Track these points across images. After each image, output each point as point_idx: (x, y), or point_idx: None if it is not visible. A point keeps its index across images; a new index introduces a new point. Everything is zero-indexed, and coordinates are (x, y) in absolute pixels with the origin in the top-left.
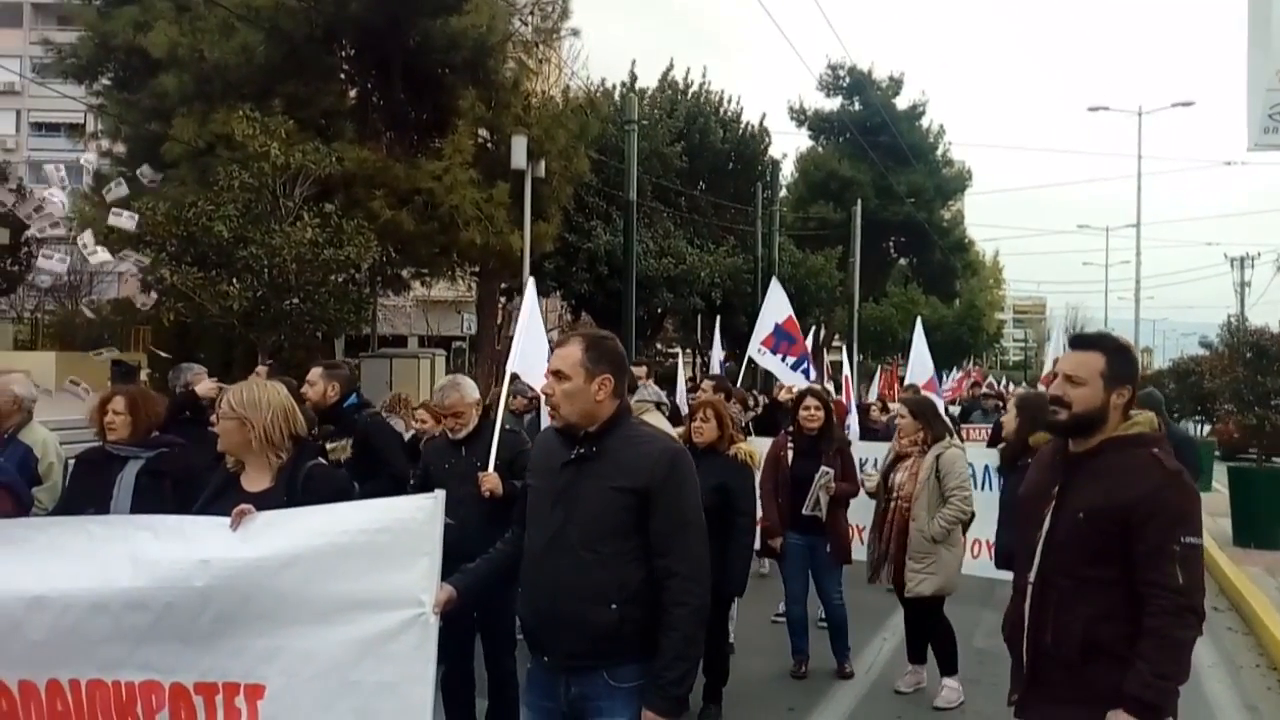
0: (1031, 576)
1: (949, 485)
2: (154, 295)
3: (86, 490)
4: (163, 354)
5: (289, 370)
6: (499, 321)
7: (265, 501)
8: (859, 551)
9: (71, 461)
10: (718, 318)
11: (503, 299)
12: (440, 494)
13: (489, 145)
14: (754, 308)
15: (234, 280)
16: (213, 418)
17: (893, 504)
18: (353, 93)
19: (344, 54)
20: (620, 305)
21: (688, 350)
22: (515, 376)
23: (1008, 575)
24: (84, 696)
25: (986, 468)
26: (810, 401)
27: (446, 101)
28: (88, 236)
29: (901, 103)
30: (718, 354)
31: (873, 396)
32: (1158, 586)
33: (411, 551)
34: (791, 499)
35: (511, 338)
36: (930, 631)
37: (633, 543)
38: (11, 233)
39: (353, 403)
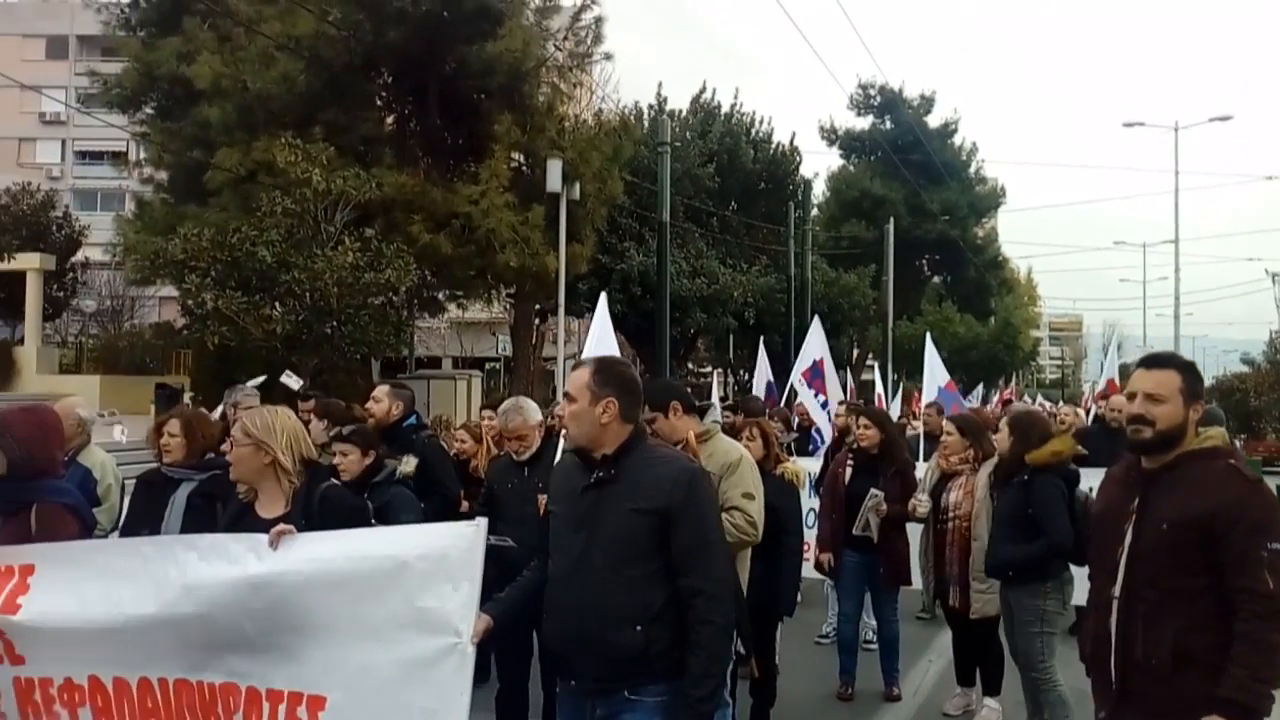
0: (1116, 591)
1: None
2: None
3: (143, 511)
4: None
5: (329, 393)
6: (534, 342)
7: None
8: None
9: (130, 483)
10: (761, 338)
11: (538, 320)
12: (482, 523)
13: (524, 169)
14: (787, 327)
15: (276, 304)
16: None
17: (950, 525)
18: (391, 119)
19: (382, 81)
20: (654, 325)
21: (720, 370)
22: None
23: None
24: (171, 693)
25: None
26: (862, 420)
27: (482, 127)
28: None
29: (933, 121)
30: (764, 374)
31: (896, 413)
32: (1248, 592)
33: (452, 579)
34: (846, 517)
35: (546, 359)
36: (983, 652)
37: (655, 564)
38: (58, 259)
39: (411, 423)
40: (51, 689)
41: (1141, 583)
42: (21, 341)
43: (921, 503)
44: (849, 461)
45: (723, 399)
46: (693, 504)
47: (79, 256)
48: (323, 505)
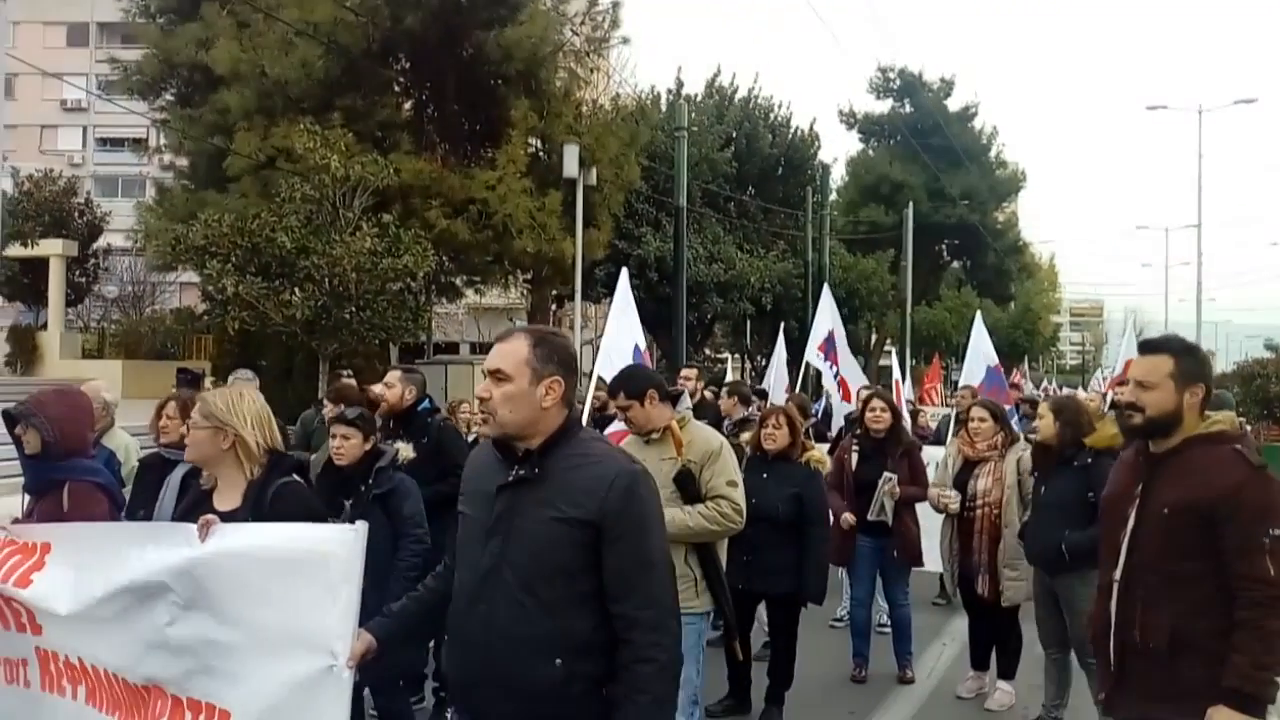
0: (1117, 575)
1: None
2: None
3: (141, 494)
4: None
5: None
6: (551, 327)
7: (232, 520)
8: (933, 562)
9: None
10: (781, 325)
11: (554, 306)
12: (362, 527)
13: (541, 154)
14: (804, 313)
15: (296, 289)
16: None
17: (979, 511)
18: (408, 105)
19: (400, 67)
20: (670, 311)
21: (737, 355)
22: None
23: None
24: (121, 690)
25: None
26: (876, 403)
27: (499, 112)
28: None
29: (953, 104)
30: (781, 359)
31: (908, 395)
32: (1249, 579)
33: (331, 589)
34: (856, 504)
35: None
36: (1004, 637)
37: (582, 585)
38: (80, 245)
39: (425, 407)
40: (60, 663)
41: (1141, 567)
42: (45, 327)
43: (950, 498)
44: (854, 447)
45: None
46: (632, 514)
47: (101, 243)
48: (275, 502)
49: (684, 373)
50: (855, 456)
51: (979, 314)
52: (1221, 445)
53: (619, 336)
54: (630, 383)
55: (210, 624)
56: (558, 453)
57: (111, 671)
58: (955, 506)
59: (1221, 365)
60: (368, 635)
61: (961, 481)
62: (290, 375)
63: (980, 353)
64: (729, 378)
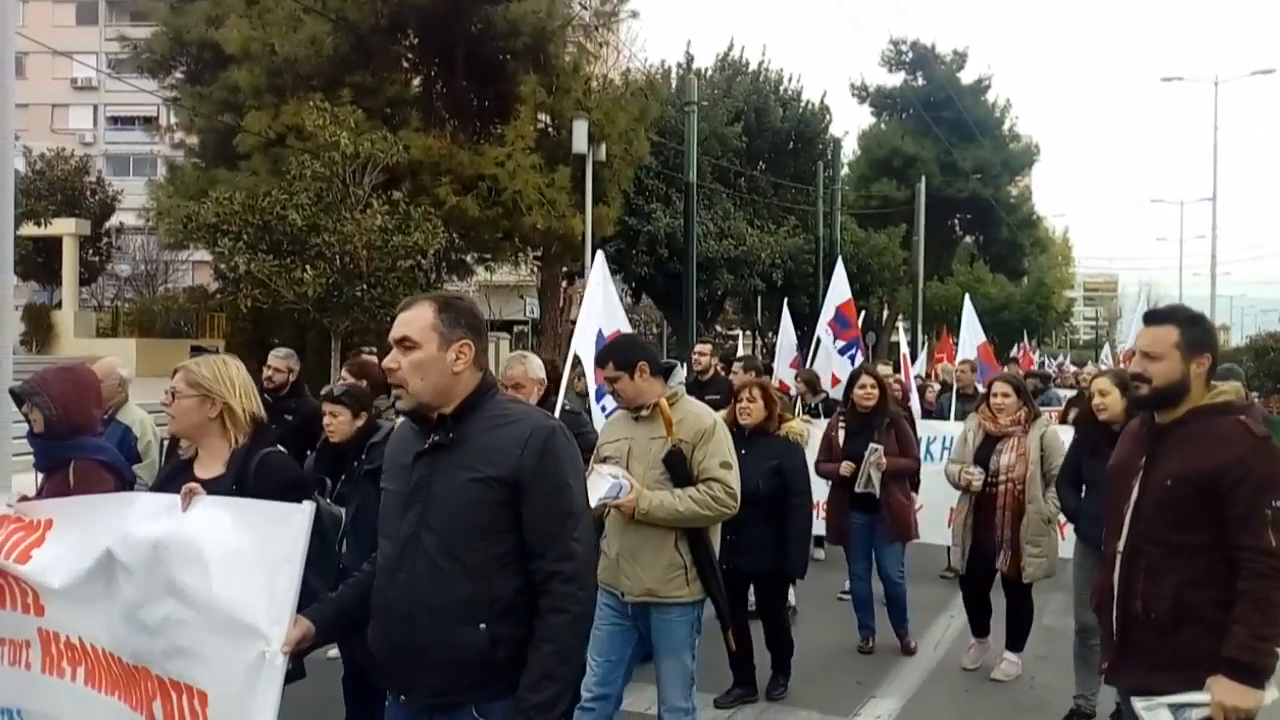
0: (1120, 545)
1: (1056, 463)
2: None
3: (166, 468)
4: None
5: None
6: (561, 305)
7: (214, 490)
8: (936, 535)
9: (167, 440)
10: (785, 300)
11: (565, 283)
12: (308, 507)
13: (550, 130)
14: (816, 288)
15: (307, 267)
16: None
17: (1003, 487)
18: (417, 81)
19: (408, 43)
20: (680, 288)
21: (748, 331)
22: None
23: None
24: (118, 668)
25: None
26: (865, 380)
27: (508, 88)
28: None
29: (966, 77)
30: (788, 336)
31: (917, 371)
32: (1252, 550)
33: (271, 570)
34: (847, 478)
35: (573, 322)
36: (1016, 611)
37: (503, 546)
38: (93, 224)
39: None
40: (60, 644)
41: (1144, 537)
42: (59, 306)
43: (974, 475)
44: (841, 424)
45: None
46: (548, 468)
47: (113, 221)
48: (259, 471)
49: (698, 348)
50: (843, 432)
51: (966, 298)
52: (1226, 416)
53: (586, 319)
54: (620, 353)
55: (172, 602)
56: (473, 416)
57: (108, 651)
58: (979, 484)
59: (1236, 339)
60: (305, 621)
61: (983, 457)
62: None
63: (971, 332)
64: (740, 354)
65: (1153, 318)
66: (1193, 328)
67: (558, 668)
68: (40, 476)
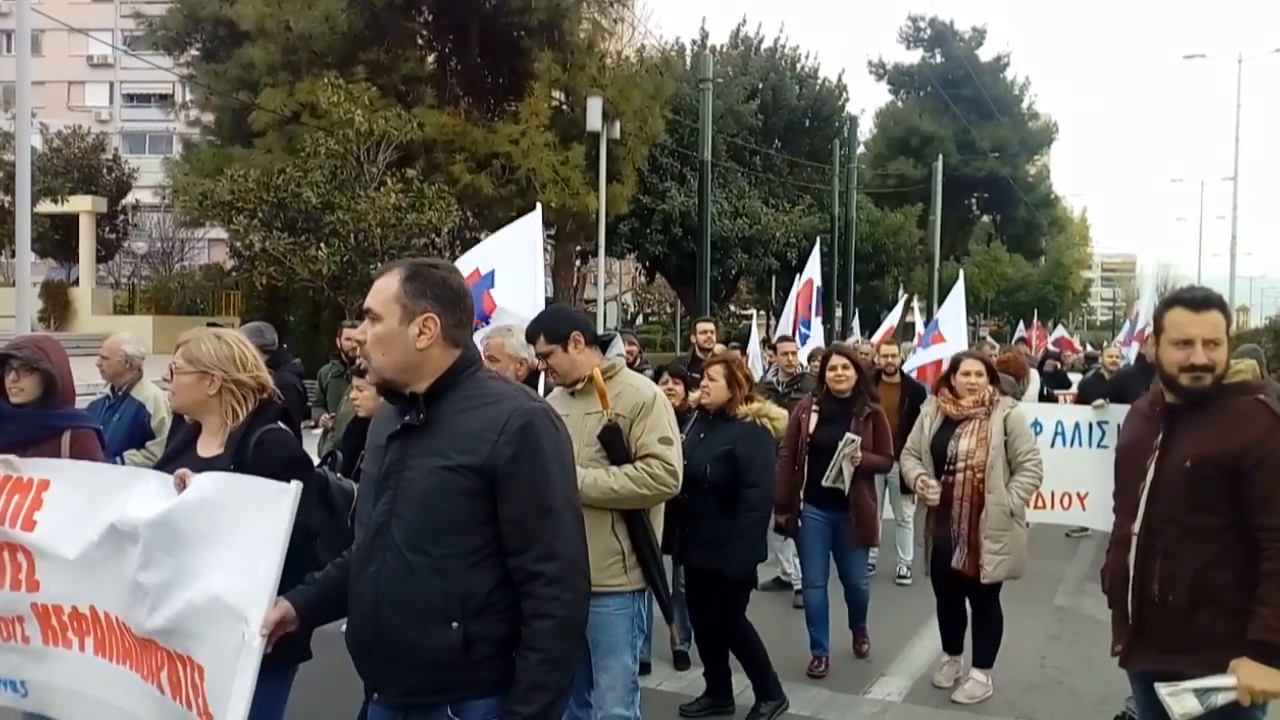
0: (1136, 527)
1: (1021, 449)
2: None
3: (171, 445)
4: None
5: None
6: (574, 283)
7: (214, 468)
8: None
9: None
10: (796, 277)
11: (578, 261)
12: (295, 487)
13: (564, 108)
14: (830, 268)
15: (322, 245)
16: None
17: (960, 476)
18: (431, 58)
19: (423, 19)
20: (695, 266)
21: (762, 311)
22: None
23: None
24: (132, 638)
25: (1077, 425)
26: (836, 360)
27: (522, 65)
28: None
29: (985, 54)
30: (790, 308)
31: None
32: (1274, 531)
33: (254, 550)
34: (812, 469)
35: (587, 301)
36: (981, 621)
37: (478, 540)
38: (109, 201)
39: None
40: (64, 616)
41: (1161, 519)
42: (76, 283)
43: (931, 488)
44: (814, 408)
45: (764, 340)
46: (528, 457)
47: (129, 199)
48: (257, 449)
49: (701, 327)
50: (814, 418)
51: (960, 274)
52: (1244, 396)
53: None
54: (551, 324)
55: (165, 580)
56: (448, 396)
57: (119, 620)
58: (935, 497)
59: (1255, 321)
60: (285, 603)
61: (940, 443)
62: (318, 330)
63: (956, 315)
64: (753, 334)
65: (1203, 303)
66: (1228, 311)
67: (546, 677)
68: None
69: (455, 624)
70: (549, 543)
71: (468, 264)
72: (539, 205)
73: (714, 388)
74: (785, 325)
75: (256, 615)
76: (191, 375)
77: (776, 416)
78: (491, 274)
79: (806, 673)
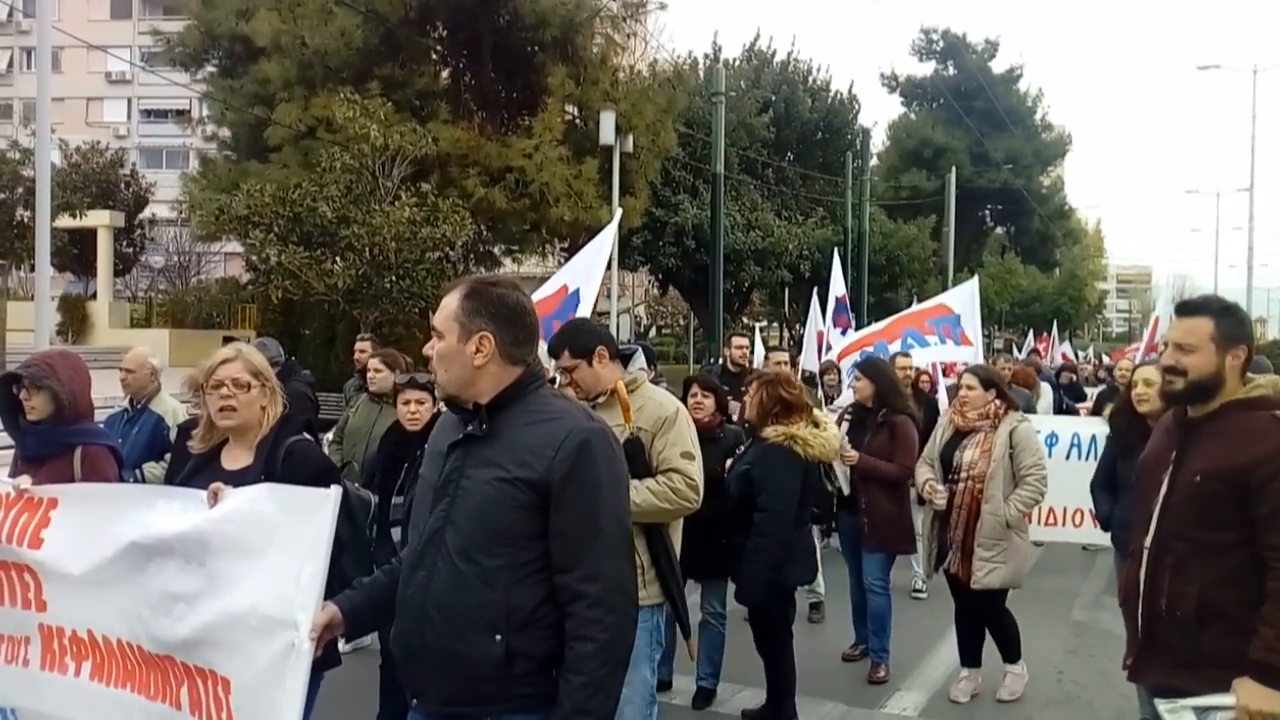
0: (1148, 541)
1: (1025, 464)
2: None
3: (182, 456)
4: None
5: (388, 344)
6: None
7: (243, 481)
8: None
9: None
10: (814, 291)
11: None
12: (336, 491)
13: (577, 122)
14: (845, 282)
15: (338, 259)
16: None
17: (962, 485)
18: (445, 73)
19: (437, 35)
20: (708, 279)
21: (774, 324)
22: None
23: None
24: (138, 657)
25: (1093, 437)
26: (858, 372)
27: (536, 79)
28: None
29: (998, 66)
30: (815, 326)
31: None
32: (1279, 550)
33: (300, 556)
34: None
35: (601, 313)
36: (993, 624)
37: (529, 554)
38: (126, 216)
39: None
40: (65, 639)
41: (1171, 534)
42: (94, 297)
43: (938, 493)
44: (847, 416)
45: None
46: (581, 475)
47: (146, 213)
48: (287, 460)
49: (736, 341)
50: (845, 425)
51: (974, 279)
52: (1260, 411)
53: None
54: (576, 338)
55: (198, 591)
56: (511, 409)
57: (127, 641)
58: (941, 502)
59: (1274, 333)
60: (332, 607)
61: (949, 453)
62: (333, 344)
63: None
64: (758, 346)
65: (1186, 309)
66: (1227, 318)
67: (587, 701)
68: (16, 468)
69: (499, 636)
70: (595, 563)
71: (557, 280)
72: (619, 212)
73: (748, 403)
74: (810, 348)
75: (305, 620)
76: (259, 389)
77: (807, 439)
78: (577, 293)
79: (842, 655)
